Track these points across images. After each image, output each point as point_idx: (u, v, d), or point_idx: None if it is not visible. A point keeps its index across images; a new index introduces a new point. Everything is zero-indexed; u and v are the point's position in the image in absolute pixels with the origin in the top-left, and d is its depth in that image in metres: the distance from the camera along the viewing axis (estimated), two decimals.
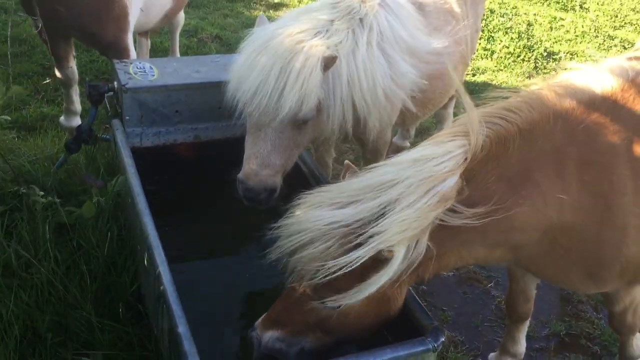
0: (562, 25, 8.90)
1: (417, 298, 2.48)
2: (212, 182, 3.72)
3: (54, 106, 5.12)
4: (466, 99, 2.20)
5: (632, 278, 2.47)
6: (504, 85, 6.85)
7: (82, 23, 3.92)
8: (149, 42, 5.68)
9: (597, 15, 9.61)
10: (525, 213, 2.15)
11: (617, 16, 9.69)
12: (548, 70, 7.28)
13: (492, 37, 7.94)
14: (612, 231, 2.29)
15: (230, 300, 3.10)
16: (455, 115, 5.24)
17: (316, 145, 3.73)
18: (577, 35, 8.58)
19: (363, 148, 3.77)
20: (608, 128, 2.29)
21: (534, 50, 7.68)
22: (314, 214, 2.11)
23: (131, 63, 3.58)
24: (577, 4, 9.96)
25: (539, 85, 2.43)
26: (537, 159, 2.18)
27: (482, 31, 7.67)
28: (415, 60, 3.27)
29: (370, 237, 2.00)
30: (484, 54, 7.51)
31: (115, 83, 3.50)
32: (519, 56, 7.53)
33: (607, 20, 9.46)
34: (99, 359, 2.75)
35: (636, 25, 9.37)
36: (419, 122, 4.67)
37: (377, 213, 2.04)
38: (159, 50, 6.26)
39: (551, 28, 8.75)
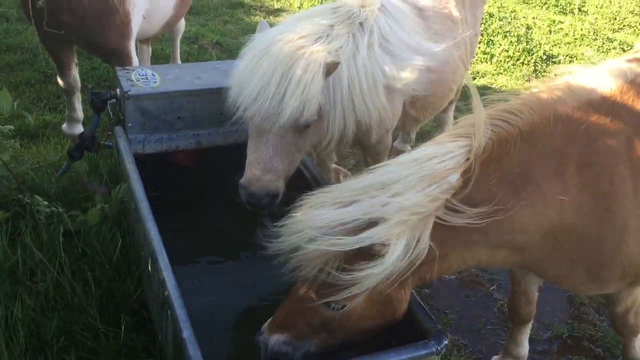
0: (561, 29, 8.93)
1: (420, 301, 2.49)
2: (214, 187, 3.74)
3: (56, 114, 5.15)
4: (476, 100, 2.22)
5: (634, 279, 2.48)
6: (503, 88, 6.87)
7: (85, 30, 3.94)
8: (150, 49, 5.70)
9: (596, 18, 9.64)
10: (526, 214, 2.17)
11: (615, 19, 9.72)
12: (547, 73, 7.31)
13: (492, 40, 7.97)
14: (612, 232, 2.31)
15: (235, 304, 3.12)
16: (455, 118, 5.27)
17: (317, 150, 3.74)
18: (576, 38, 8.61)
19: (364, 152, 3.79)
20: (608, 129, 2.31)
21: (533, 54, 7.70)
22: (316, 213, 2.13)
23: (133, 70, 3.60)
24: (576, 7, 10.00)
25: (539, 88, 2.45)
26: (537, 160, 2.20)
27: (482, 35, 7.70)
28: (418, 54, 3.29)
29: (369, 226, 2.03)
30: (484, 58, 7.54)
31: (118, 90, 3.52)
32: (518, 59, 7.55)
33: (606, 22, 9.49)
34: None
35: (635, 28, 9.40)
36: (419, 126, 4.69)
37: (378, 210, 2.06)
38: (160, 57, 6.29)
39: (550, 31, 8.78)
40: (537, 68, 7.44)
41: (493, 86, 6.91)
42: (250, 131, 2.93)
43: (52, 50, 4.25)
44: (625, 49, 8.32)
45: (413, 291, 2.37)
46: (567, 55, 7.94)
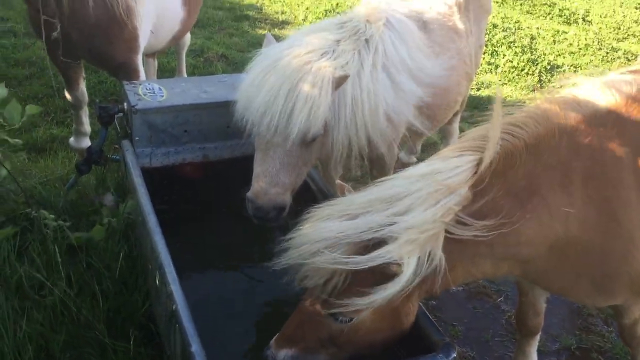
0: (565, 39, 8.95)
1: (427, 313, 2.49)
2: (221, 200, 3.75)
3: (63, 127, 5.18)
4: (496, 116, 2.22)
5: None
6: (508, 98, 6.88)
7: (92, 45, 3.97)
8: (156, 62, 5.75)
9: (600, 28, 9.66)
10: (531, 227, 2.17)
11: (619, 28, 9.74)
12: (552, 84, 7.29)
13: (496, 51, 7.99)
14: (618, 243, 2.31)
15: (243, 317, 3.12)
16: (461, 130, 5.28)
17: (323, 163, 3.76)
18: (580, 48, 8.62)
19: (370, 164, 3.80)
20: (613, 141, 2.31)
21: (537, 64, 7.72)
22: (323, 226, 2.14)
23: (140, 84, 3.62)
24: (580, 17, 10.02)
25: (544, 100, 2.46)
26: (543, 173, 2.21)
27: (486, 45, 7.72)
28: (419, 80, 3.31)
29: (379, 244, 2.03)
30: (488, 68, 7.56)
31: (125, 104, 3.55)
32: (522, 70, 7.57)
33: (610, 32, 9.51)
34: None
35: (639, 37, 9.41)
36: (424, 138, 4.70)
37: (386, 224, 2.07)
38: (166, 71, 6.33)
39: (554, 41, 8.80)
40: (541, 78, 7.45)
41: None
42: (257, 144, 2.95)
43: (60, 65, 4.29)
44: (630, 58, 8.34)
45: (420, 303, 2.38)
46: (571, 65, 7.96)
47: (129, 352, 2.86)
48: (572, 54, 8.36)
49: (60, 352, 2.86)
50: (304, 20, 8.42)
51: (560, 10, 10.17)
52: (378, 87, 3.05)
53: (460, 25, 3.85)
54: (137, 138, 3.50)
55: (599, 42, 8.96)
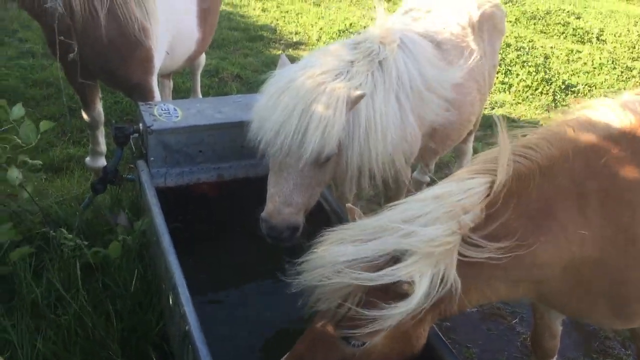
0: (579, 58, 8.94)
1: (441, 335, 2.47)
2: (235, 219, 3.77)
3: (80, 147, 5.24)
4: (503, 138, 2.22)
5: None
6: (522, 118, 6.88)
7: (107, 66, 4.02)
8: (172, 82, 5.81)
9: (615, 47, 9.64)
10: (547, 249, 2.16)
11: (634, 47, 9.71)
12: (567, 103, 7.30)
13: (510, 70, 8.00)
14: (636, 264, 2.28)
15: (255, 337, 3.12)
16: (474, 149, 5.28)
17: (337, 183, 3.76)
18: (594, 67, 8.61)
19: (383, 184, 3.80)
20: (628, 162, 2.29)
21: (552, 83, 7.71)
22: (336, 250, 2.14)
23: (156, 105, 3.66)
24: (594, 36, 10.01)
25: (557, 122, 2.45)
26: (557, 195, 2.20)
27: (499, 65, 7.73)
28: (431, 104, 3.33)
29: (392, 262, 2.03)
30: (502, 88, 7.56)
31: (141, 125, 3.59)
32: (537, 89, 7.56)
33: (625, 51, 9.48)
34: None
35: None
36: (438, 157, 4.70)
37: (401, 242, 2.07)
38: (181, 91, 6.40)
39: (568, 60, 8.79)
40: (556, 97, 7.44)
41: (512, 116, 6.91)
42: (270, 165, 2.97)
43: (76, 85, 4.34)
44: None
45: (434, 325, 2.36)
46: (586, 85, 7.94)
47: None
48: (586, 73, 8.35)
49: None
50: (317, 40, 8.48)
51: (574, 29, 10.17)
52: (391, 108, 3.06)
53: (473, 45, 3.87)
54: (152, 158, 3.53)
55: (613, 61, 8.93)
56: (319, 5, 9.85)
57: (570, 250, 2.19)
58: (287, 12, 9.34)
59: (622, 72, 8.50)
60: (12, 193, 3.22)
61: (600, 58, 8.98)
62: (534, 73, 7.94)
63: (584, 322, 3.72)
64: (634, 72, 8.52)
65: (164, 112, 3.59)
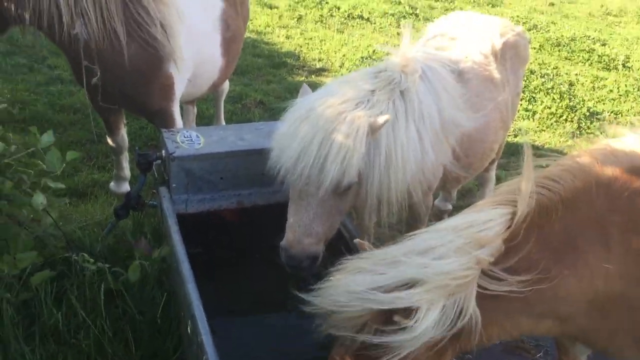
0: (605, 85, 8.85)
1: None
2: (255, 246, 3.77)
3: (104, 172, 5.31)
4: (527, 169, 2.20)
5: None
6: (546, 145, 6.81)
7: (128, 91, 4.08)
8: (196, 109, 5.87)
9: None
10: (570, 283, 2.12)
11: None
12: (592, 131, 7.22)
13: (534, 97, 7.94)
14: None
15: None
16: (497, 177, 5.23)
17: (357, 211, 3.75)
18: (620, 95, 8.51)
19: (404, 212, 3.77)
20: None
21: (576, 110, 7.63)
22: (354, 279, 2.13)
23: (179, 132, 3.70)
24: (620, 63, 9.92)
25: (581, 153, 2.42)
26: (580, 227, 2.16)
27: (523, 92, 7.68)
28: (452, 131, 3.31)
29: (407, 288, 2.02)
30: (526, 115, 7.51)
31: (163, 151, 3.63)
32: (561, 116, 7.49)
33: None
34: None
35: None
36: (460, 185, 4.66)
37: (417, 271, 2.05)
38: (205, 117, 6.46)
39: (594, 88, 8.71)
40: (581, 125, 7.36)
41: (536, 143, 6.85)
42: (290, 193, 2.97)
43: (101, 110, 4.42)
44: None
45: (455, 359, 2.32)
46: (611, 112, 7.85)
47: None
48: (612, 101, 8.26)
49: None
50: (340, 67, 8.53)
51: (599, 56, 10.09)
52: (411, 139, 3.05)
53: (496, 74, 3.85)
54: (174, 185, 3.56)
55: (639, 88, 8.83)
56: (342, 32, 9.92)
57: (594, 284, 2.15)
58: (310, 39, 9.42)
59: None
60: (35, 218, 3.25)
61: (626, 85, 8.88)
62: (558, 100, 7.87)
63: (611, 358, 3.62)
64: None
65: (187, 139, 3.63)
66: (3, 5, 3.58)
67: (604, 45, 10.89)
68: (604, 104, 8.11)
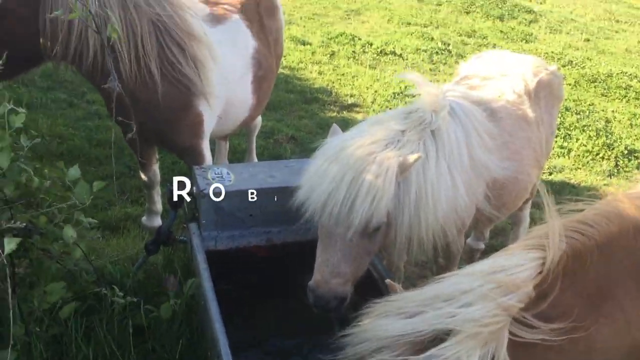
0: None
1: None
2: (284, 283, 3.75)
3: (137, 206, 5.37)
4: (550, 211, 2.16)
5: None
6: (582, 184, 6.68)
7: (159, 129, 4.15)
8: (228, 144, 5.93)
9: None
10: (606, 333, 2.05)
11: None
12: (630, 169, 7.06)
13: (569, 134, 7.83)
14: None
15: None
16: (532, 216, 5.13)
17: (387, 250, 3.72)
18: None
19: (435, 252, 3.72)
20: None
21: (613, 148, 7.49)
22: (381, 323, 2.09)
23: (210, 169, 3.74)
24: None
25: (617, 197, 2.36)
26: (617, 275, 2.10)
27: (558, 129, 7.57)
28: (483, 172, 3.28)
29: (437, 341, 1.96)
30: (561, 152, 7.39)
31: (194, 188, 3.66)
32: (597, 154, 7.36)
33: None
34: None
35: None
36: (493, 224, 4.59)
37: (446, 321, 2.00)
38: (237, 152, 6.52)
39: (631, 125, 8.55)
40: (618, 163, 7.21)
41: (571, 182, 6.73)
42: (319, 233, 2.96)
43: (133, 146, 4.49)
44: None
45: None
46: None
47: None
48: None
49: None
50: (372, 102, 8.56)
51: (636, 92, 9.92)
52: (442, 178, 3.02)
53: (530, 113, 3.81)
54: (204, 221, 3.58)
55: None
56: (375, 68, 9.97)
57: (632, 335, 2.07)
58: (343, 74, 9.49)
59: None
60: (66, 252, 3.29)
61: None
62: (594, 137, 7.73)
63: None
64: None
65: (217, 176, 3.66)
66: (47, 46, 3.68)
67: None
68: None
